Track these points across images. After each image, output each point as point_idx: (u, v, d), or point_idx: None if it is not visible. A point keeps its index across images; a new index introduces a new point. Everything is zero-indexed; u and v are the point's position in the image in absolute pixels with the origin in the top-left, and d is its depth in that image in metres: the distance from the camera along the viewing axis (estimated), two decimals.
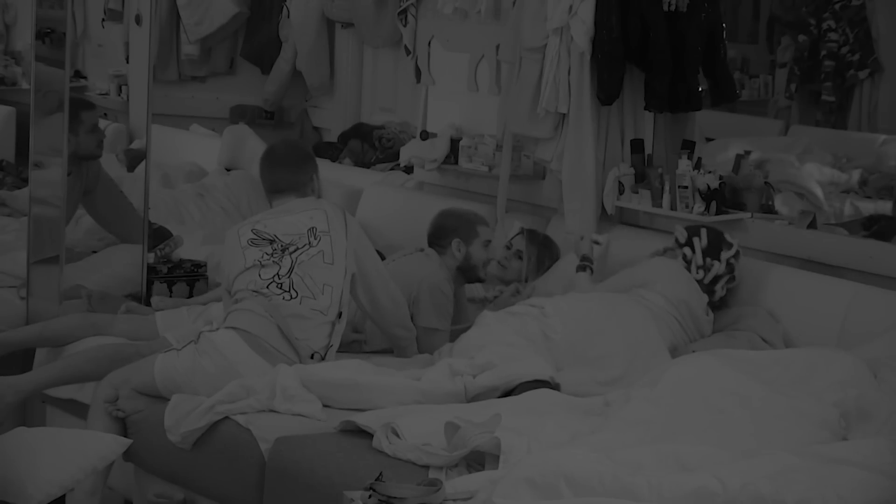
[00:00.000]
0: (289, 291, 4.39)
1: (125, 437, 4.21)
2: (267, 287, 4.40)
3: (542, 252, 5.40)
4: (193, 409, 4.10)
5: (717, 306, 4.94)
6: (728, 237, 4.97)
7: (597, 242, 5.25)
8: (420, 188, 6.49)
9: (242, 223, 4.66)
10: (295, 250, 4.45)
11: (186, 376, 4.26)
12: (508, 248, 5.44)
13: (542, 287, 5.22)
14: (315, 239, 4.48)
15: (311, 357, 4.35)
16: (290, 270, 4.42)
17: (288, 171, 4.71)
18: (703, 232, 4.95)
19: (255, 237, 4.50)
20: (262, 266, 4.43)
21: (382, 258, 4.93)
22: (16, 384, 4.51)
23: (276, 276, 4.41)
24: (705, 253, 4.91)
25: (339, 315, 4.43)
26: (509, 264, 5.41)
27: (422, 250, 5.13)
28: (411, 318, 4.82)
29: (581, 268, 5.15)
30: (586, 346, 4.56)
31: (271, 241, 4.48)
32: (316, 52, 8.25)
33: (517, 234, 5.48)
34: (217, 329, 4.36)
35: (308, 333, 4.37)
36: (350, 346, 4.80)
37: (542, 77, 5.38)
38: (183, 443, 4.10)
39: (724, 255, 4.91)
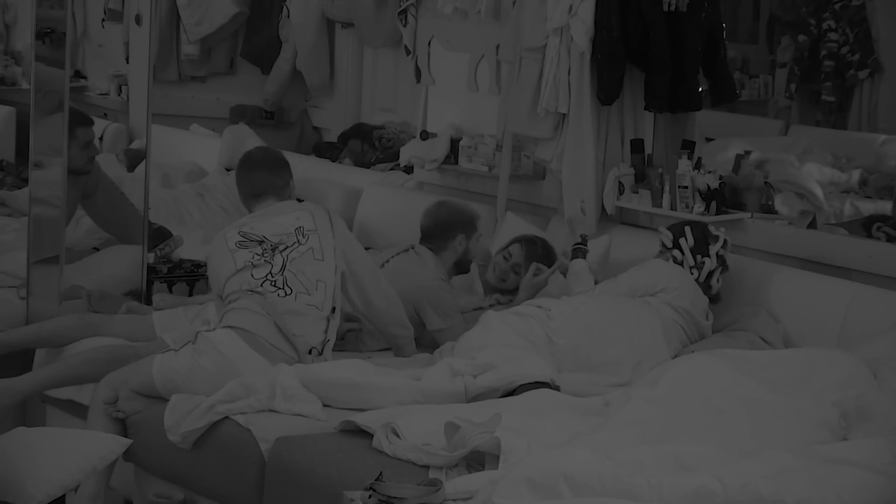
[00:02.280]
0: (283, 288, 4.40)
1: (125, 437, 4.21)
2: (261, 286, 4.41)
3: (541, 262, 5.25)
4: (193, 409, 4.09)
5: (713, 299, 4.93)
6: (713, 229, 4.94)
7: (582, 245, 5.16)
8: (420, 188, 6.49)
9: (228, 227, 4.66)
10: (285, 249, 4.47)
11: (185, 376, 4.26)
12: (506, 259, 5.28)
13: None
14: (303, 237, 4.50)
15: (309, 353, 4.35)
16: (283, 268, 4.43)
17: (266, 173, 4.75)
18: (688, 230, 4.92)
19: (243, 239, 4.51)
20: (255, 266, 4.45)
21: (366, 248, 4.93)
22: (12, 386, 4.51)
23: (269, 275, 4.42)
24: (694, 251, 4.90)
25: (333, 310, 4.45)
26: (507, 276, 5.28)
27: (412, 247, 5.13)
28: (422, 324, 4.86)
29: (577, 253, 5.07)
30: (590, 353, 4.55)
31: (260, 242, 4.49)
32: (316, 52, 8.24)
33: (513, 243, 5.33)
34: (214, 329, 4.37)
35: (305, 329, 4.37)
36: (347, 336, 4.80)
37: (542, 77, 5.38)
38: (183, 443, 4.10)
39: (713, 249, 4.89)
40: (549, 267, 5.19)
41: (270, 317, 4.34)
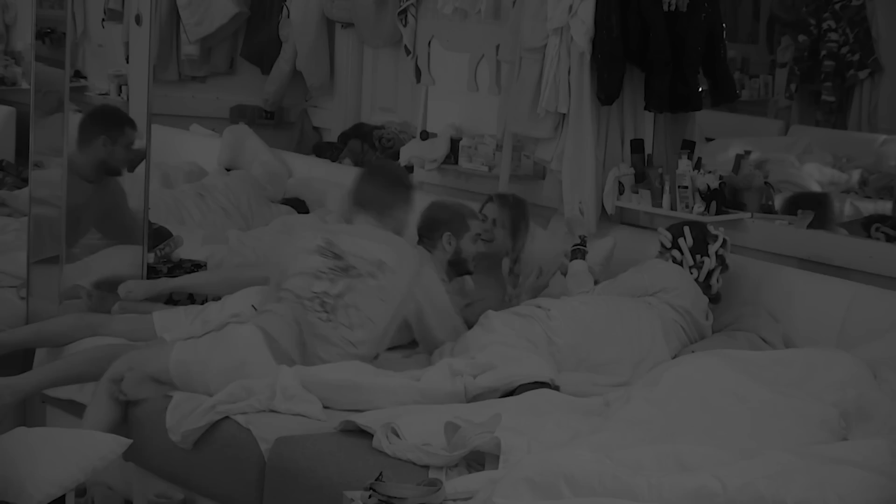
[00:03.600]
0: (328, 313, 4.37)
1: (125, 430, 4.21)
2: (310, 300, 4.38)
3: (516, 214, 5.25)
4: (194, 409, 4.10)
5: (713, 299, 4.93)
6: (712, 228, 4.94)
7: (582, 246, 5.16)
8: (420, 188, 6.49)
9: (321, 228, 4.61)
10: (357, 275, 4.41)
11: (199, 364, 4.25)
12: (483, 219, 5.24)
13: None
14: (381, 272, 4.43)
15: None
16: (341, 294, 4.39)
17: (372, 185, 4.67)
18: (687, 230, 4.93)
19: (325, 247, 4.47)
20: (318, 278, 4.41)
21: None
22: (13, 384, 4.52)
23: (325, 294, 4.39)
24: (693, 251, 4.90)
25: (377, 356, 4.41)
26: (490, 236, 5.23)
27: None
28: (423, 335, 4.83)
29: (577, 254, 5.07)
30: (590, 352, 4.55)
31: (337, 257, 4.45)
32: (316, 52, 8.23)
33: (487, 202, 5.34)
34: (245, 322, 4.35)
35: (332, 359, 4.34)
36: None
37: (542, 77, 5.38)
38: (183, 442, 4.10)
39: (712, 248, 4.90)
40: (524, 223, 5.25)
41: (301, 332, 4.32)
